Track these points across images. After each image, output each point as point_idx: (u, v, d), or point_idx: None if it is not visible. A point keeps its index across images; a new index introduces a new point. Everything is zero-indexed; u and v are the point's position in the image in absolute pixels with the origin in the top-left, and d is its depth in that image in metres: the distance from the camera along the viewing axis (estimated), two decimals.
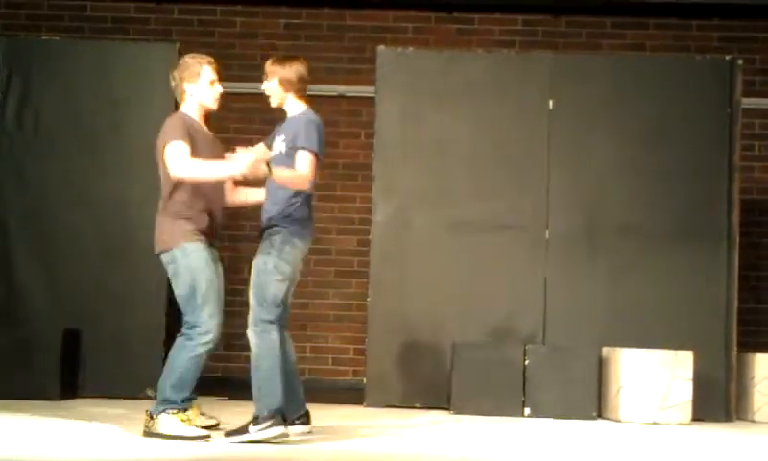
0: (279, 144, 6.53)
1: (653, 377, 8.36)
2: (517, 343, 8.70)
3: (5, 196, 8.97)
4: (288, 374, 6.49)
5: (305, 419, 6.65)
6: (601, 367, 8.60)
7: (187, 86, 6.50)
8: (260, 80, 6.79)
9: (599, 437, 7.35)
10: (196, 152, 6.34)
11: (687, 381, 8.39)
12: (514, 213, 9.03)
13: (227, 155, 6.35)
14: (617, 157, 9.06)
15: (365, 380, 9.01)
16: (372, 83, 9.41)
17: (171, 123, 6.42)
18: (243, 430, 6.34)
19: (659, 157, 9.04)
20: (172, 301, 7.57)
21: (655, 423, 8.30)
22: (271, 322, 6.38)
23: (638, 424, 8.25)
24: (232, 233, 10.13)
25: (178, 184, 6.36)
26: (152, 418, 6.29)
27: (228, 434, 6.38)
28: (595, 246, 9.02)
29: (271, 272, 6.39)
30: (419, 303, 8.95)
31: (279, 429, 6.30)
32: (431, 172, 9.08)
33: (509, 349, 8.62)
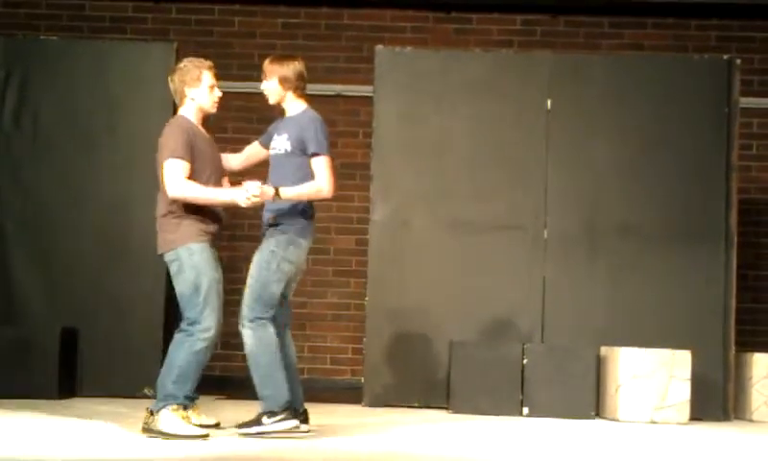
0: (283, 142, 6.58)
1: (651, 377, 8.36)
2: (516, 342, 8.70)
3: (2, 196, 8.96)
4: (288, 373, 6.51)
5: (304, 418, 6.66)
6: (599, 366, 8.61)
7: (188, 91, 6.56)
8: (258, 79, 6.83)
9: (597, 436, 7.35)
10: (197, 155, 6.43)
11: (685, 381, 8.39)
12: (512, 213, 9.03)
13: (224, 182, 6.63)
14: (615, 157, 9.06)
15: (363, 379, 9.01)
16: (370, 82, 9.42)
17: (171, 131, 6.47)
18: (257, 422, 6.39)
19: (657, 157, 9.05)
20: (169, 300, 7.58)
21: (653, 422, 8.31)
22: (263, 319, 6.41)
23: (637, 423, 8.25)
24: (231, 233, 10.12)
25: None
26: (152, 414, 6.31)
27: (241, 426, 6.46)
28: (593, 245, 9.02)
29: (274, 271, 6.43)
30: (417, 303, 8.95)
31: (292, 422, 6.39)
32: (429, 171, 9.08)
33: (507, 348, 8.62)
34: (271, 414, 6.38)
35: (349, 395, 9.35)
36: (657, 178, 9.03)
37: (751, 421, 8.84)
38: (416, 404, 8.83)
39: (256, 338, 6.40)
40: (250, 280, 6.48)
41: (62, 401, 8.23)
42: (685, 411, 8.38)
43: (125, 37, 10.66)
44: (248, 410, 6.78)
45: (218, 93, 6.65)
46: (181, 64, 6.64)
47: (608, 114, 9.11)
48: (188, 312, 6.37)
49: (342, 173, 10.69)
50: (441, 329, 8.86)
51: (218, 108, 6.75)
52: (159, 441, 6.18)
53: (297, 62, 6.69)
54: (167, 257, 6.43)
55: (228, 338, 8.84)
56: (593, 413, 8.48)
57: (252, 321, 6.41)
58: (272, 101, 6.71)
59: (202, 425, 6.48)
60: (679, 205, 9.01)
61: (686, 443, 7.16)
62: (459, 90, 9.14)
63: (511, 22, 10.89)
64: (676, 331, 8.79)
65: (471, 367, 8.52)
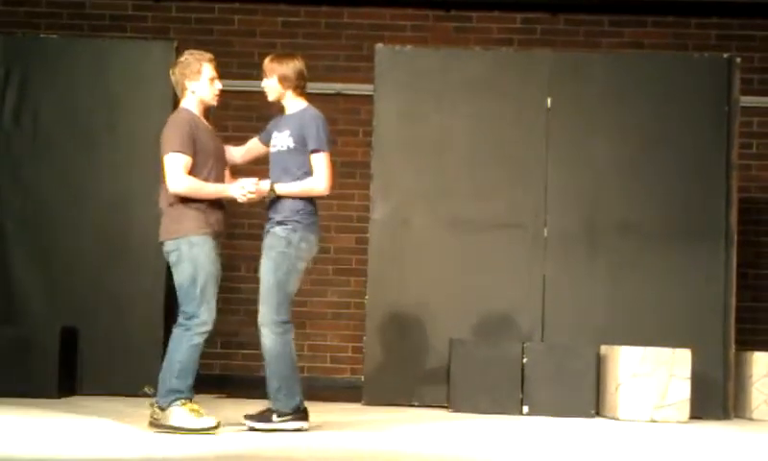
0: (285, 139, 6.62)
1: (651, 375, 8.36)
2: (516, 341, 8.70)
3: (2, 194, 8.95)
4: None
5: (304, 416, 6.68)
6: (599, 365, 8.61)
7: (188, 84, 6.60)
8: (258, 77, 6.84)
9: (597, 435, 7.35)
10: (199, 147, 6.47)
11: (685, 379, 8.39)
12: (512, 211, 9.03)
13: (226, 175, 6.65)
14: (615, 155, 9.06)
15: (363, 378, 9.01)
16: (370, 80, 9.41)
17: (173, 125, 6.51)
18: (267, 419, 6.43)
19: (657, 155, 9.04)
20: (169, 298, 7.57)
21: (653, 421, 8.30)
22: (288, 322, 6.51)
23: (637, 422, 8.25)
24: (230, 231, 10.09)
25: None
26: (162, 409, 6.35)
27: (249, 417, 6.54)
28: (593, 244, 9.01)
29: (291, 271, 6.51)
30: (417, 301, 8.95)
31: (302, 424, 6.53)
32: (429, 170, 9.08)
33: (507, 347, 8.62)
34: (281, 414, 6.45)
35: (349, 393, 9.35)
36: (657, 176, 9.03)
37: (751, 419, 8.84)
38: (415, 403, 8.82)
39: (282, 342, 6.50)
40: (266, 285, 6.51)
41: (63, 400, 8.23)
42: (685, 410, 8.38)
43: (125, 36, 10.66)
44: (247, 408, 6.80)
45: (218, 86, 6.67)
46: (182, 57, 6.68)
47: (608, 113, 9.10)
48: (186, 306, 6.41)
49: (342, 171, 10.70)
50: (441, 328, 8.86)
51: (218, 105, 6.78)
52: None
53: (297, 61, 6.73)
54: (168, 246, 6.46)
55: (229, 337, 8.85)
56: (593, 412, 8.48)
57: (276, 326, 6.49)
58: (271, 98, 6.76)
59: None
60: (679, 203, 9.01)
61: (686, 441, 7.16)
62: (459, 89, 9.14)
63: (511, 20, 10.89)
64: (676, 330, 8.79)
65: (471, 365, 8.52)
